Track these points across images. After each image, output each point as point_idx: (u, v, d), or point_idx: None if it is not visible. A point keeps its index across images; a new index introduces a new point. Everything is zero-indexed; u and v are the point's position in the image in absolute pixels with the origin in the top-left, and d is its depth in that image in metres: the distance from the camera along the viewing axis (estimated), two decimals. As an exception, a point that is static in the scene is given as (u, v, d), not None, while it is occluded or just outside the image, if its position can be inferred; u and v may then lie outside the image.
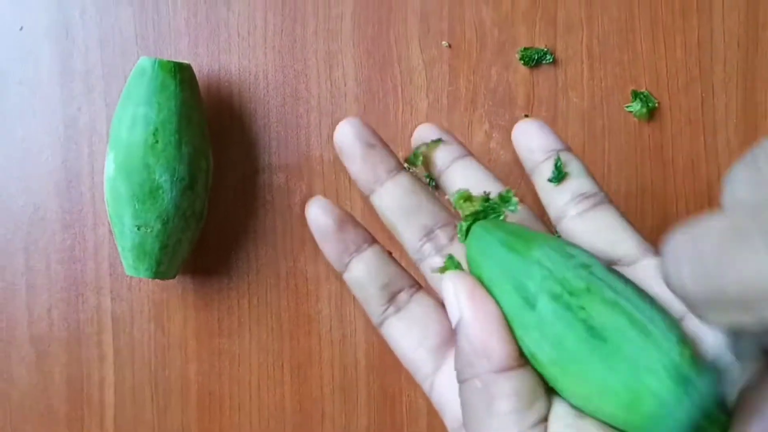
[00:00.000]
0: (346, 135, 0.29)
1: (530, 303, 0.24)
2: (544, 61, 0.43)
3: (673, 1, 0.42)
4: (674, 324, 0.24)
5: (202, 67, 0.45)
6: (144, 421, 0.46)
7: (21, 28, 0.46)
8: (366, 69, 0.44)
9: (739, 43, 0.42)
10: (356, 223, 0.29)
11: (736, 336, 0.21)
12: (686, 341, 0.23)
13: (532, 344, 0.24)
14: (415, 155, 0.31)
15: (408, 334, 0.28)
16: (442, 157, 0.31)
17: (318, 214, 0.29)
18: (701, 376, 0.23)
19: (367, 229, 0.30)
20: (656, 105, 0.42)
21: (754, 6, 0.42)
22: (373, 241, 0.30)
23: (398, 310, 0.29)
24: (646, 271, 0.26)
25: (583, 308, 0.23)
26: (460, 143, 0.31)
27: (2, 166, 0.46)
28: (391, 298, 0.29)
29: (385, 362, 0.44)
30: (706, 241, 0.18)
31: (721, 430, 0.22)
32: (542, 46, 0.43)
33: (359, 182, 0.30)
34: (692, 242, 0.19)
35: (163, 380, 0.46)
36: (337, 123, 0.44)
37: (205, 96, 0.44)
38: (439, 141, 0.31)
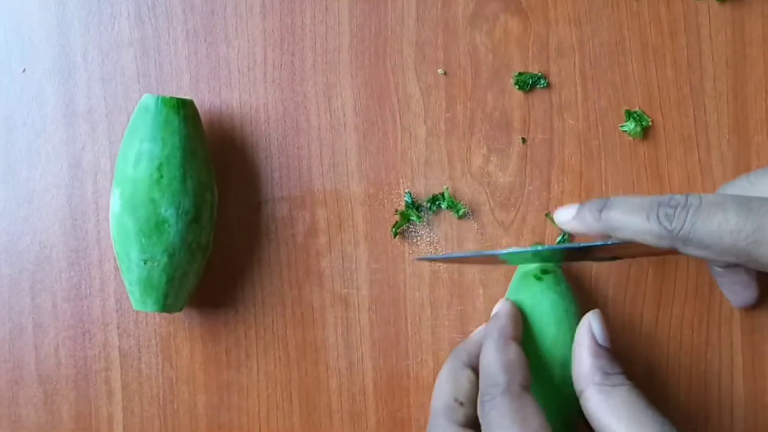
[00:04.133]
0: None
1: None
2: (538, 85, 0.44)
3: (662, 22, 0.43)
4: None
5: (204, 102, 0.46)
6: (153, 456, 0.46)
7: (24, 70, 0.47)
8: (364, 99, 0.45)
9: (727, 61, 0.43)
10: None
11: None
12: None
13: None
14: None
15: None
16: None
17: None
18: None
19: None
20: (650, 123, 0.43)
21: (740, 25, 0.43)
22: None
23: None
24: None
25: None
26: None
27: (8, 206, 0.47)
28: None
29: (393, 388, 0.45)
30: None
31: None
32: (536, 71, 0.44)
33: None
34: None
35: (171, 414, 0.46)
36: (337, 152, 0.45)
37: (208, 130, 0.45)
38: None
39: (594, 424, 0.35)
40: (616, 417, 0.34)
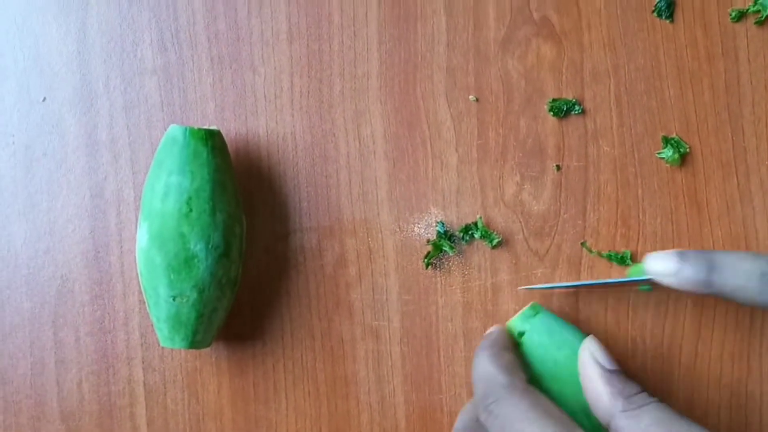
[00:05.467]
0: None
1: None
2: (573, 112, 0.43)
3: (698, 46, 0.42)
4: None
5: (229, 131, 0.45)
6: (181, 495, 0.45)
7: (44, 99, 0.46)
8: (394, 126, 0.44)
9: (766, 85, 0.42)
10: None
11: None
12: None
13: None
14: None
15: None
16: None
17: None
18: None
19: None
20: (687, 150, 0.42)
21: (777, 47, 0.42)
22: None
23: None
24: None
25: None
26: None
27: (29, 238, 0.46)
28: None
29: (426, 423, 0.43)
30: None
31: None
32: (570, 97, 0.43)
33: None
34: None
35: (199, 452, 0.45)
36: (367, 181, 0.44)
37: (234, 160, 0.44)
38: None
39: None
40: None
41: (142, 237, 0.41)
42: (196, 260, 0.40)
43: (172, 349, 0.45)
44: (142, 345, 0.45)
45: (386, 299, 0.44)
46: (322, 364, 0.44)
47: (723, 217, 0.42)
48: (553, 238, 0.43)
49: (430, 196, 0.44)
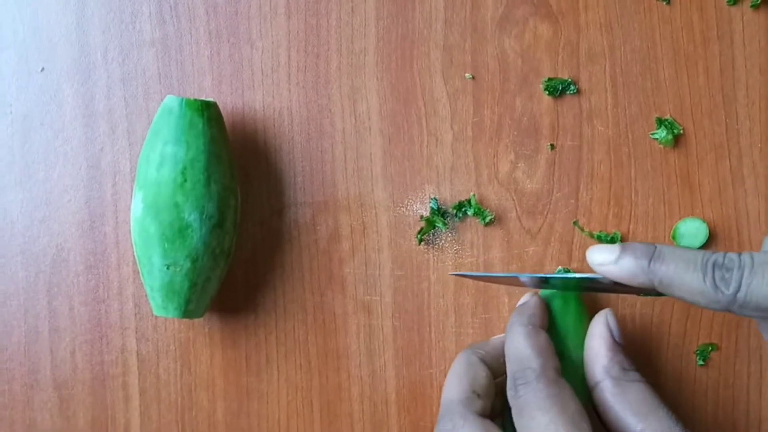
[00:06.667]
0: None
1: None
2: (568, 91, 0.43)
3: (694, 29, 0.43)
4: None
5: (226, 104, 0.45)
6: (171, 464, 0.45)
7: (42, 70, 0.46)
8: (390, 102, 0.44)
9: (761, 69, 0.42)
10: None
11: None
12: None
13: None
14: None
15: None
16: None
17: None
18: None
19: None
20: (681, 131, 0.43)
21: (772, 32, 0.43)
22: None
23: None
24: None
25: None
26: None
27: (25, 208, 0.46)
28: None
29: (416, 397, 0.44)
30: None
31: None
32: (566, 76, 0.43)
33: None
34: None
35: (190, 421, 0.45)
36: (362, 157, 0.44)
37: (230, 133, 0.44)
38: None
39: (606, 416, 0.35)
40: (632, 411, 0.34)
41: (137, 206, 0.41)
42: (190, 230, 0.40)
43: (165, 320, 0.45)
44: (135, 315, 0.45)
45: (379, 274, 0.44)
46: (314, 337, 0.45)
47: (715, 199, 0.43)
48: (546, 217, 0.44)
49: (424, 172, 0.44)
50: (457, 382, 0.36)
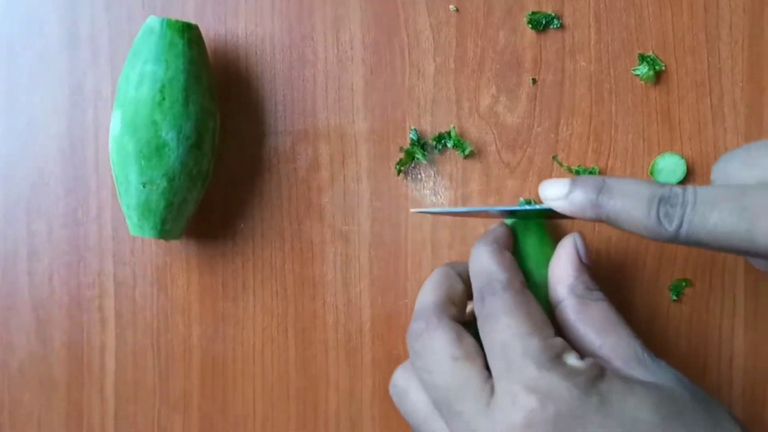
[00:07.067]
0: None
1: None
2: (551, 26, 0.43)
3: (679, -36, 0.42)
4: None
5: (208, 30, 0.45)
6: (145, 386, 0.45)
7: (27, -6, 0.46)
8: (373, 33, 0.44)
9: (744, 8, 0.42)
10: None
11: None
12: None
13: None
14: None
15: None
16: None
17: None
18: None
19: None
20: (663, 68, 0.42)
21: (759, -27, 0.42)
22: None
23: None
24: None
25: None
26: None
27: (6, 132, 0.46)
28: None
29: (390, 326, 0.44)
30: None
31: None
32: (550, 11, 0.43)
33: None
34: None
35: (165, 344, 0.45)
36: (343, 87, 0.44)
37: (212, 59, 0.44)
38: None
39: (568, 334, 0.35)
40: (593, 329, 0.35)
41: (116, 124, 0.41)
42: (167, 148, 0.40)
43: (142, 244, 0.45)
44: (113, 238, 0.45)
45: (357, 204, 0.44)
46: (290, 265, 0.45)
47: (694, 137, 0.43)
48: (525, 151, 0.44)
49: (405, 104, 0.44)
50: (432, 289, 0.36)
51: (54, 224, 0.46)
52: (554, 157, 0.43)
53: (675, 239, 0.32)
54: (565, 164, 0.43)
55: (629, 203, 0.33)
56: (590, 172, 0.43)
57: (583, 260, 0.37)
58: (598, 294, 0.36)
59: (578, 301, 0.35)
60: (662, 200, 0.32)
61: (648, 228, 0.33)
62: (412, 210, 0.43)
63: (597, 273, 0.43)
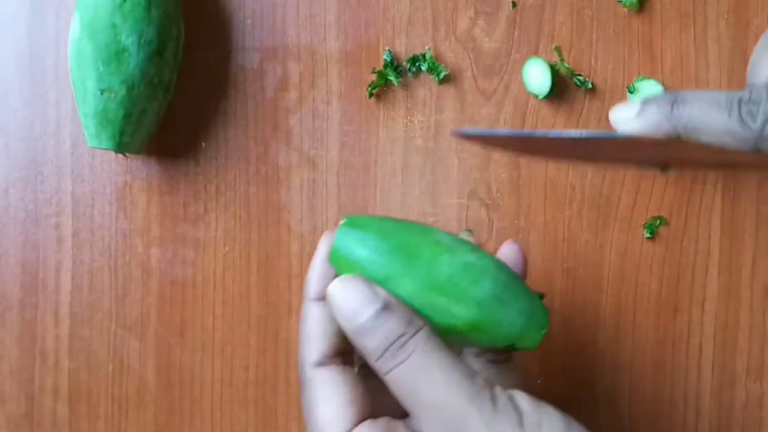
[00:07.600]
0: None
1: None
2: (533, -54, 0.41)
3: None
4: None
5: (177, -62, 0.43)
6: (101, 308, 0.44)
7: None
8: (349, -52, 0.42)
9: (734, -65, 0.41)
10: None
11: None
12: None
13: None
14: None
15: None
16: None
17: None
18: None
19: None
20: (647, -4, 0.41)
21: None
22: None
23: None
24: None
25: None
26: None
27: (-38, 37, 0.44)
28: None
29: (356, 255, 0.43)
30: None
31: None
32: (533, -69, 0.41)
33: None
34: None
35: (123, 266, 0.44)
36: (315, 3, 0.42)
37: (179, -32, 0.42)
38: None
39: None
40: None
41: (75, 28, 0.39)
42: (126, 54, 0.38)
43: (102, 161, 0.43)
44: (72, 154, 0.44)
45: (326, 127, 0.43)
46: (255, 189, 0.43)
47: (676, 69, 0.41)
48: (502, 78, 0.42)
49: (379, 24, 0.42)
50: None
51: (11, 137, 0.44)
52: (556, 48, 0.41)
53: (761, 138, 0.30)
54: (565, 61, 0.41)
55: (707, 108, 0.31)
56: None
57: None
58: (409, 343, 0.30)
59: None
60: (742, 101, 0.30)
61: (731, 130, 0.30)
62: (453, 130, 0.39)
63: (570, 211, 0.41)
